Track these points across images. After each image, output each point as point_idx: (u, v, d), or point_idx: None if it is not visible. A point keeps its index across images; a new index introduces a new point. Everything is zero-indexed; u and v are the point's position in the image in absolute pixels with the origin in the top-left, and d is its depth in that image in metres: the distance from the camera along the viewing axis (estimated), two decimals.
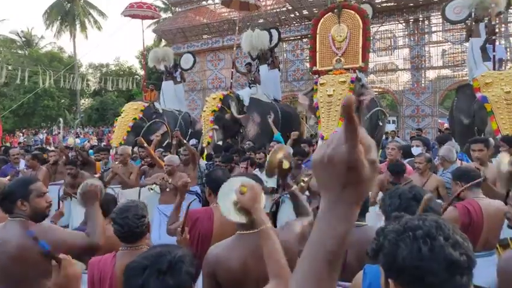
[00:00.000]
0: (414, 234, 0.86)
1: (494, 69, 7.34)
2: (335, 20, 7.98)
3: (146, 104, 10.73)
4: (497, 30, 7.98)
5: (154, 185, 5.00)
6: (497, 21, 7.65)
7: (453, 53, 14.80)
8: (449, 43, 14.68)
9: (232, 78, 10.76)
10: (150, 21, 20.11)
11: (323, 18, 8.13)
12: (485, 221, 2.75)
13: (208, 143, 8.41)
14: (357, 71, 7.66)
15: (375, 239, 0.94)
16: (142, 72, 26.63)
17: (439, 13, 14.17)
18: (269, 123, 8.10)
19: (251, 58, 11.01)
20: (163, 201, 4.95)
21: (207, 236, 2.59)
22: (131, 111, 10.47)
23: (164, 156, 5.81)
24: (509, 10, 12.83)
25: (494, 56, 7.49)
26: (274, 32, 10.89)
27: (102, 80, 28.89)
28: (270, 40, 10.63)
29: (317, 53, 8.19)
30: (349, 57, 7.83)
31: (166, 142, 8.35)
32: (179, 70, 12.57)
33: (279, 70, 11.49)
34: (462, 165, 4.52)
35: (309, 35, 14.66)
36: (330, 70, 7.76)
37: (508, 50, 13.09)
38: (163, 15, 24.75)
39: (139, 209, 2.22)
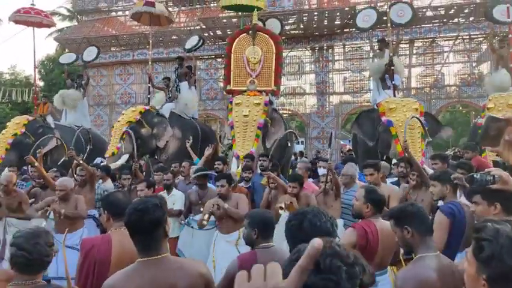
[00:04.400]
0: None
1: (394, 96, 8.14)
2: (250, 41, 8.21)
3: (31, 118, 9.69)
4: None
5: (44, 219, 4.42)
6: (391, 54, 8.50)
7: (353, 81, 16.22)
8: (349, 71, 16.06)
9: (149, 94, 10.31)
10: (53, 28, 18.59)
11: (238, 38, 8.32)
12: (380, 241, 2.84)
13: (113, 154, 7.88)
14: (269, 94, 7.94)
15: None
16: (41, 84, 24.35)
17: (341, 43, 15.59)
18: (188, 146, 7.73)
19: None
20: (59, 229, 4.41)
21: (104, 263, 2.38)
22: (12, 126, 9.38)
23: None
24: (400, 45, 14.52)
25: (393, 84, 8.30)
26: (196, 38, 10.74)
27: None
28: (196, 45, 10.46)
29: (231, 72, 8.31)
30: (262, 79, 8.09)
31: (62, 160, 7.52)
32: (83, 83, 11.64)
33: (195, 88, 11.35)
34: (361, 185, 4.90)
35: (223, 55, 14.96)
36: (244, 90, 7.92)
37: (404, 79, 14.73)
38: (68, 23, 23.14)
39: (50, 236, 2.00)
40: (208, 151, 6.42)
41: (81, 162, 5.56)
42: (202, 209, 4.66)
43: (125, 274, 1.84)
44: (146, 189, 4.54)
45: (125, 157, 7.82)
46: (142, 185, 4.62)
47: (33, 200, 5.32)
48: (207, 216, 4.19)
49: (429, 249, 2.11)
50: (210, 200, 4.43)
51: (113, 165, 7.16)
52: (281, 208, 4.17)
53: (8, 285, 1.91)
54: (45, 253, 1.91)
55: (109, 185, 5.91)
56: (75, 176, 5.48)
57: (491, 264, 1.17)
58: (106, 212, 2.64)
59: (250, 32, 8.27)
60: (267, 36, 8.24)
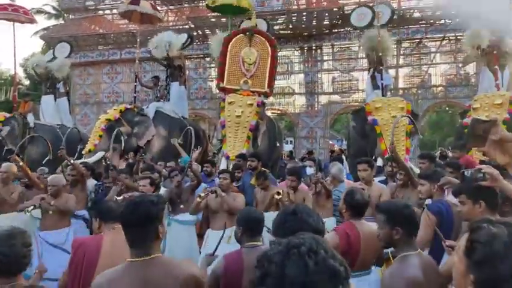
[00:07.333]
0: (299, 251, 0.89)
1: (383, 95, 8.22)
2: (246, 42, 8.23)
3: (8, 115, 9.45)
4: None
5: (31, 208, 4.31)
6: (380, 54, 8.62)
7: (342, 81, 16.32)
8: (338, 71, 16.16)
9: (135, 93, 10.23)
10: (38, 27, 18.28)
11: (234, 38, 8.32)
12: (362, 244, 2.82)
13: (90, 151, 7.88)
14: (262, 95, 7.96)
15: (259, 267, 0.94)
16: (27, 82, 23.88)
17: (329, 43, 15.67)
18: (176, 143, 7.70)
19: (164, 65, 10.47)
20: (44, 227, 4.38)
21: (91, 265, 2.36)
22: None
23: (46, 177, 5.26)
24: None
25: (382, 83, 8.40)
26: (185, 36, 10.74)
27: None
28: (185, 43, 10.49)
29: (226, 71, 8.28)
30: (256, 81, 8.13)
31: (46, 159, 7.35)
32: (62, 81, 11.26)
33: (185, 88, 11.16)
34: (349, 184, 4.95)
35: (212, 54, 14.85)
36: (237, 89, 7.91)
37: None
38: (54, 21, 22.79)
39: (27, 236, 1.94)
40: (195, 153, 6.21)
41: (72, 161, 5.53)
42: (182, 206, 4.75)
43: (114, 273, 1.79)
44: (149, 186, 4.25)
45: (99, 154, 7.83)
46: (145, 181, 4.31)
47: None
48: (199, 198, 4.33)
49: (411, 248, 2.14)
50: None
51: (89, 161, 7.26)
52: (278, 194, 4.40)
53: None
54: (22, 254, 1.87)
55: (90, 183, 5.79)
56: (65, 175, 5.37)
57: (482, 268, 1.12)
58: (97, 219, 2.62)
59: (247, 33, 8.31)
60: (264, 39, 8.28)
